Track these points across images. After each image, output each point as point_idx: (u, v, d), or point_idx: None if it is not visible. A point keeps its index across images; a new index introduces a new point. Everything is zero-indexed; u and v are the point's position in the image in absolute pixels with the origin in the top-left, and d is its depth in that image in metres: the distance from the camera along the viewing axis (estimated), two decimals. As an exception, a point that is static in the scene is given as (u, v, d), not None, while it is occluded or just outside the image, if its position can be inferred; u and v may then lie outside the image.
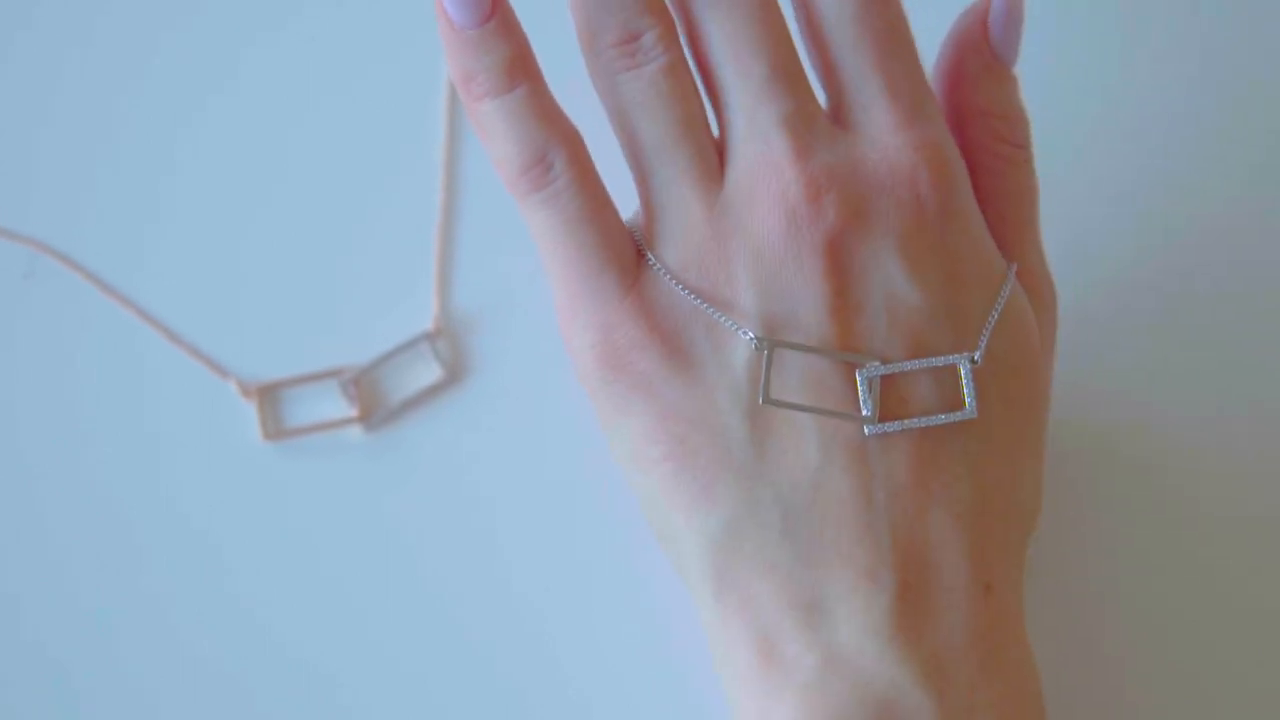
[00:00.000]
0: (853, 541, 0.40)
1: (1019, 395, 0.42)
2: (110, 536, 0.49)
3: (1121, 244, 0.51)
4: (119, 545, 0.48)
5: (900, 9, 0.42)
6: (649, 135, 0.41)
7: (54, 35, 0.52)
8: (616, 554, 0.48)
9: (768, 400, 0.40)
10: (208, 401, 0.49)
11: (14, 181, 0.51)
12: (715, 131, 0.42)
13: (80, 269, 0.51)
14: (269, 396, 0.50)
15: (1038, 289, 0.44)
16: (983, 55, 0.44)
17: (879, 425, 0.40)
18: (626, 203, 0.42)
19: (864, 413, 0.40)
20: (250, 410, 0.49)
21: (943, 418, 0.40)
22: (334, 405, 0.50)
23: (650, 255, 0.42)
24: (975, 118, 0.44)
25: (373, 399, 0.50)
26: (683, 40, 0.42)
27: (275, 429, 0.49)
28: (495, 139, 0.42)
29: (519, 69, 0.41)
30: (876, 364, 0.40)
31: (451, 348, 0.50)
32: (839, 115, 0.42)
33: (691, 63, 0.42)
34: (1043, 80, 0.47)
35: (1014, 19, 0.44)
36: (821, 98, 0.43)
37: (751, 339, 0.40)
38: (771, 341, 0.40)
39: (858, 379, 0.40)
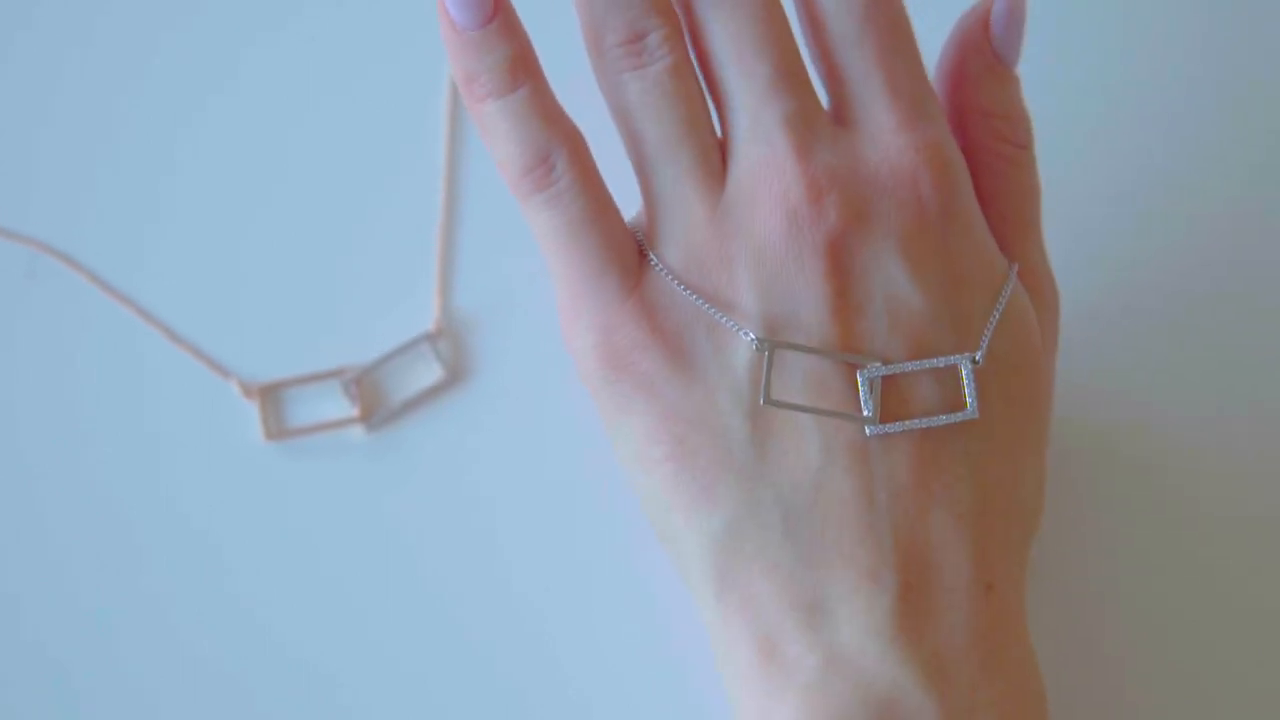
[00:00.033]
0: (854, 542, 0.40)
1: (1021, 395, 0.42)
2: (111, 536, 0.49)
3: (1122, 244, 0.51)
4: (120, 545, 0.48)
5: (902, 8, 0.42)
6: (652, 135, 0.41)
7: (54, 35, 0.52)
8: (617, 554, 0.48)
9: (769, 401, 0.40)
10: (209, 401, 0.49)
11: (15, 181, 0.51)
12: (718, 131, 0.42)
13: (81, 269, 0.50)
14: (270, 396, 0.50)
15: (1039, 289, 0.44)
16: (985, 56, 0.43)
17: (880, 426, 0.40)
18: (629, 203, 0.42)
19: (865, 413, 0.40)
20: (252, 410, 0.49)
21: (944, 418, 0.40)
22: (335, 405, 0.50)
23: (652, 255, 0.42)
24: (977, 118, 0.44)
25: (374, 399, 0.50)
26: (686, 40, 0.42)
27: (277, 429, 0.49)
28: (498, 140, 0.42)
29: (521, 70, 0.41)
30: (878, 365, 0.40)
31: (453, 348, 0.50)
32: (841, 113, 0.42)
33: (694, 62, 0.42)
34: (1044, 80, 0.47)
35: (1016, 19, 0.44)
36: (824, 98, 0.43)
37: (753, 340, 0.40)
38: (773, 342, 0.40)
39: (859, 380, 0.40)
